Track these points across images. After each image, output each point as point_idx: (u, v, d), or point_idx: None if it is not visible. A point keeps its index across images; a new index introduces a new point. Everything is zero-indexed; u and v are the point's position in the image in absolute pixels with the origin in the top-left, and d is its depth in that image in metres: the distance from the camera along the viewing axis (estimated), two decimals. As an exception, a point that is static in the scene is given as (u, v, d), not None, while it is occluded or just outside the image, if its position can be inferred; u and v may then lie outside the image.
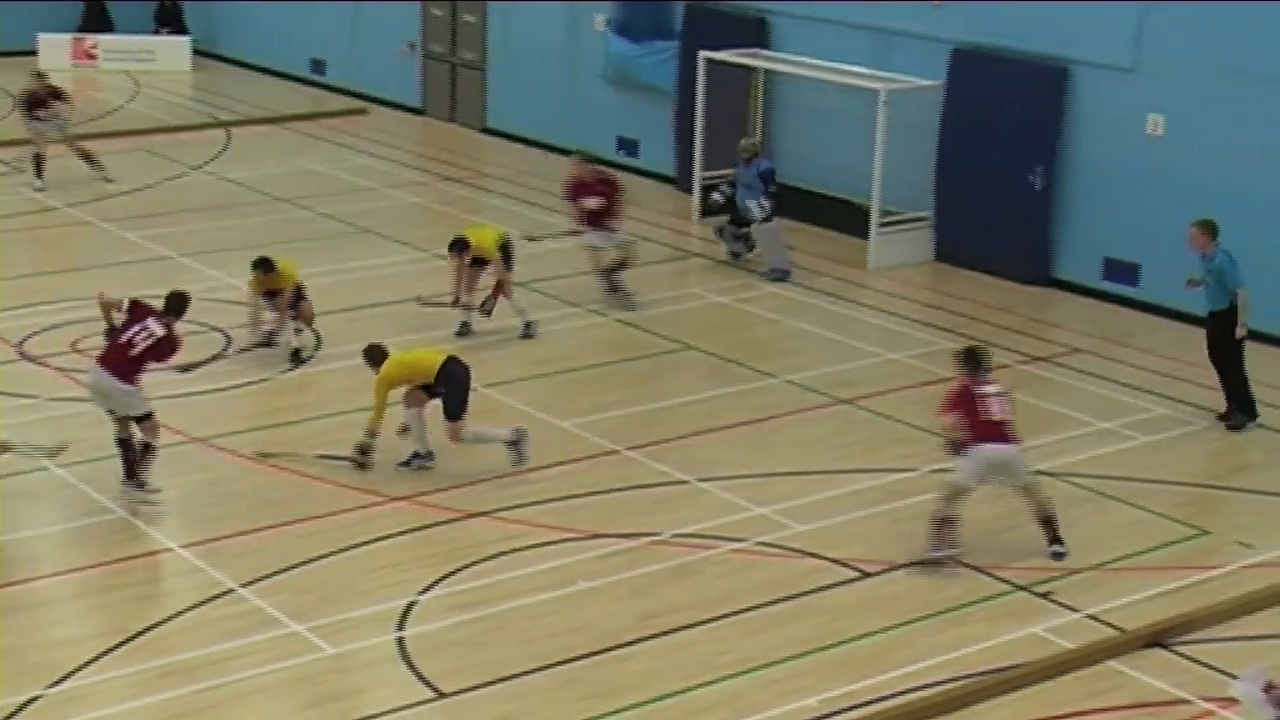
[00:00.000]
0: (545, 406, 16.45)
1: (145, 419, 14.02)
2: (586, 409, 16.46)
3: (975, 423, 13.18)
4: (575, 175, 19.97)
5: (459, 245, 18.38)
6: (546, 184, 24.52)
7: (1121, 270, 20.15)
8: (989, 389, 13.39)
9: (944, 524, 13.38)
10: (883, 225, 21.38)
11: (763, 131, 23.78)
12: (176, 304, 14.30)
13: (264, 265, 17.30)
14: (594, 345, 18.54)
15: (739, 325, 19.23)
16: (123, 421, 13.99)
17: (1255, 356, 17.65)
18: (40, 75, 24.49)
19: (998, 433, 13.23)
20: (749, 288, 20.56)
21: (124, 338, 13.82)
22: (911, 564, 13.39)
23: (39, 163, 23.64)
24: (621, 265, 19.68)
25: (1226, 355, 16.48)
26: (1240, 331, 16.17)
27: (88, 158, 24.08)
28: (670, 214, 23.42)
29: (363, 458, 14.76)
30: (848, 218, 22.18)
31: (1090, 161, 20.30)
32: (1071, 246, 20.27)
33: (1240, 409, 16.62)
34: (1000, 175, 20.69)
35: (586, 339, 18.71)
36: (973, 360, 13.57)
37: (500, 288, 18.67)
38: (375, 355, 14.95)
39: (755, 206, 20.79)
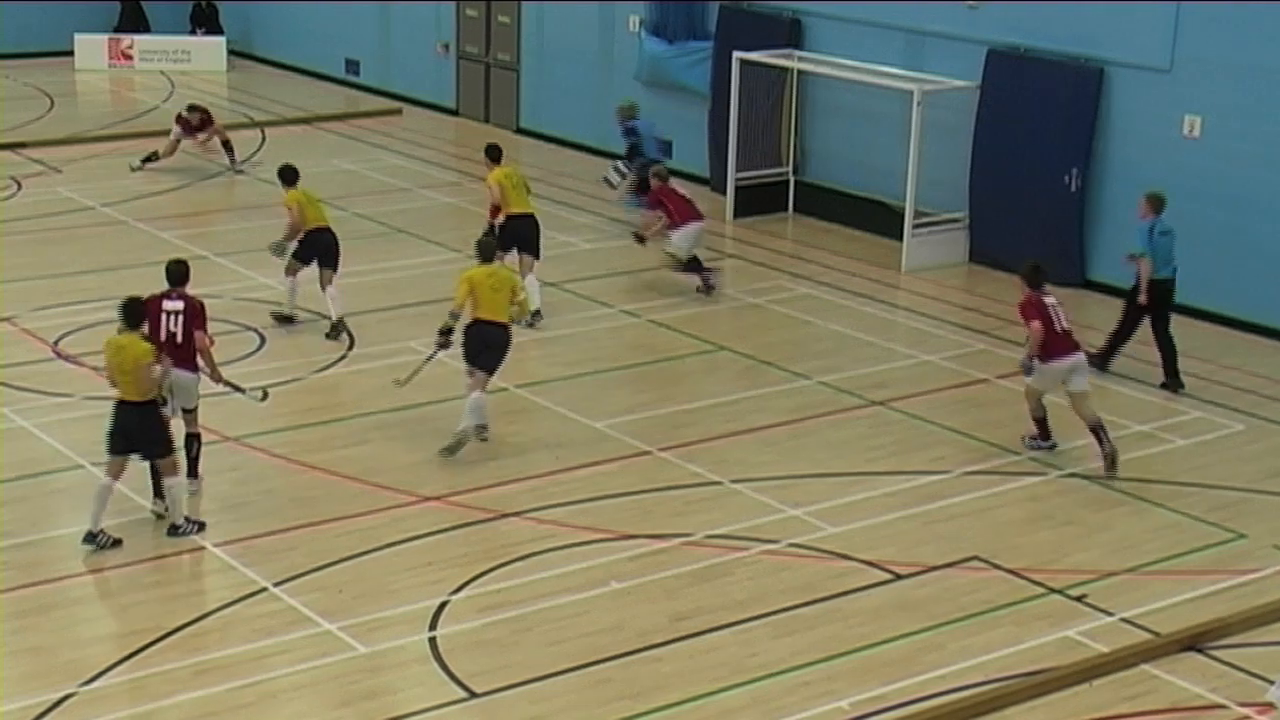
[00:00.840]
0: (577, 407, 16.46)
1: (192, 411, 14.25)
2: (619, 409, 16.47)
3: (1049, 332, 14.99)
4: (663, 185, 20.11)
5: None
6: (580, 184, 24.55)
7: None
8: (1051, 299, 15.22)
9: (1041, 423, 15.45)
10: (917, 226, 21.35)
11: (796, 132, 23.79)
12: (176, 273, 14.33)
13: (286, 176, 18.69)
14: (626, 346, 18.55)
15: (772, 326, 19.22)
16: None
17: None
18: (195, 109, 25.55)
19: (1069, 342, 15.20)
20: (782, 289, 20.55)
21: (162, 336, 13.90)
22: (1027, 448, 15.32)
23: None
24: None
25: (1158, 321, 17.55)
26: (1141, 299, 17.37)
27: (227, 147, 25.20)
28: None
29: (444, 338, 15.47)
30: (882, 219, 22.17)
31: (1126, 163, 20.23)
32: (1106, 248, 20.19)
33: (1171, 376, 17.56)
34: (1035, 177, 20.64)
35: (619, 340, 18.73)
36: (1035, 274, 15.29)
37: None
38: (484, 249, 15.90)
39: (614, 173, 21.53)
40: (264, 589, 12.70)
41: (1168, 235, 17.39)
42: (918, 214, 21.42)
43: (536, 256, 19.07)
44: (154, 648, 11.83)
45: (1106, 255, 20.11)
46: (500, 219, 19.09)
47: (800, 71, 23.38)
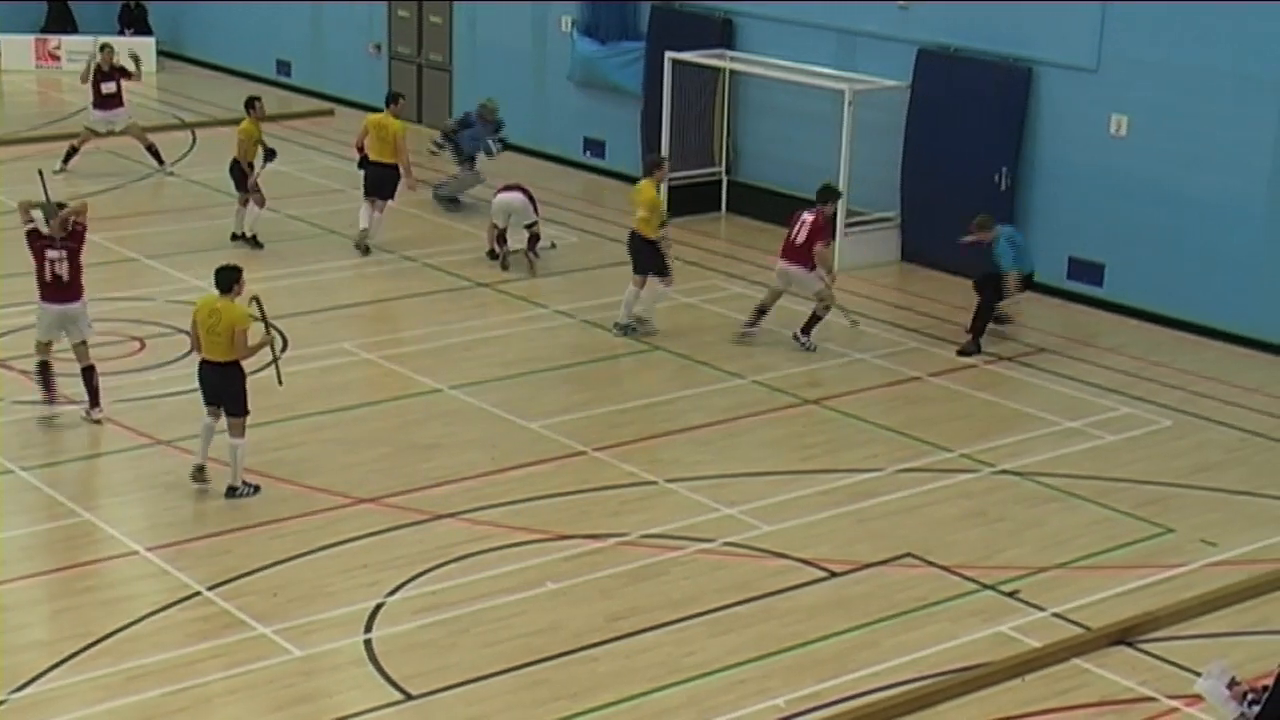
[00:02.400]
0: (513, 408, 16.46)
1: (84, 344, 15.43)
2: (554, 410, 16.48)
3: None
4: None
5: None
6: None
7: (1086, 270, 20.25)
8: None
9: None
10: (849, 225, 21.44)
11: (729, 131, 23.84)
12: (51, 211, 15.37)
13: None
14: (561, 347, 18.54)
15: (706, 326, 19.26)
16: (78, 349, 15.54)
17: (1207, 354, 17.92)
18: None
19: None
20: (716, 289, 20.60)
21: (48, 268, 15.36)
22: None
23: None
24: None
25: (989, 296, 18.49)
26: (1005, 306, 18.71)
27: (152, 151, 24.97)
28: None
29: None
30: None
31: (1054, 162, 20.40)
32: (1037, 247, 20.29)
33: (975, 340, 18.48)
34: (966, 176, 20.75)
35: (554, 340, 18.71)
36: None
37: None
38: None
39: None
40: (197, 593, 12.63)
41: (1020, 237, 18.74)
42: (850, 213, 21.54)
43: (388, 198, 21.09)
44: (85, 654, 11.75)
45: (1036, 253, 20.17)
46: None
47: (732, 71, 23.44)
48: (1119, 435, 16.34)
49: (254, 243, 21.23)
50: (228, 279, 14.22)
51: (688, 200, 23.45)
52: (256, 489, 14.35)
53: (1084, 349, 18.79)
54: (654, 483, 14.84)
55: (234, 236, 21.36)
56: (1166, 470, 15.55)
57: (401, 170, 21.39)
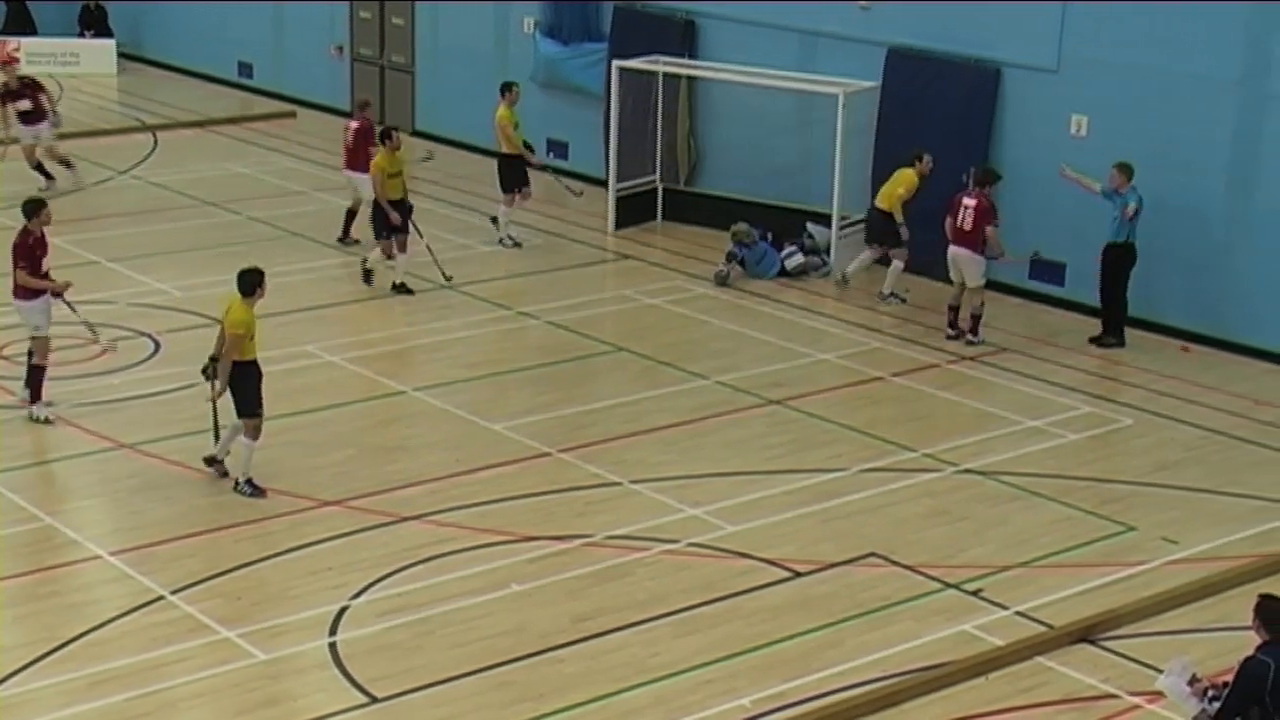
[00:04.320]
0: (477, 409, 16.46)
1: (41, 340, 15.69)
2: (518, 411, 16.49)
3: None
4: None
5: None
6: (477, 187, 24.53)
7: (1048, 270, 20.34)
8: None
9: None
10: (843, 229, 21.42)
11: (691, 134, 23.85)
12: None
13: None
14: (525, 348, 18.56)
15: (670, 327, 19.30)
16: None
17: (1167, 353, 18.06)
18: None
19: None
20: (680, 290, 20.63)
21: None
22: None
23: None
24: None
25: (1116, 284, 18.77)
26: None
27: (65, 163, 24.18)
28: (599, 216, 23.44)
29: None
30: (778, 222, 22.20)
31: (1018, 162, 20.45)
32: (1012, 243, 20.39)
33: (1112, 333, 18.92)
34: (935, 176, 20.72)
35: (517, 342, 18.73)
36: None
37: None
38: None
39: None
40: (161, 597, 12.60)
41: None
42: (815, 215, 21.60)
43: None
44: (50, 658, 11.71)
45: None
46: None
47: (692, 76, 23.45)
48: (1080, 434, 16.43)
49: (404, 290, 19.99)
50: (248, 282, 14.29)
51: (643, 207, 23.44)
52: (257, 491, 14.28)
53: (1046, 348, 18.88)
54: (619, 484, 14.86)
55: (394, 287, 19.88)
56: (1127, 469, 15.64)
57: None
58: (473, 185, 24.72)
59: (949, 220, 18.90)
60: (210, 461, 14.61)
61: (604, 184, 23.83)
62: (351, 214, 21.92)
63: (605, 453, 15.53)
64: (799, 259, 21.44)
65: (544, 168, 22.97)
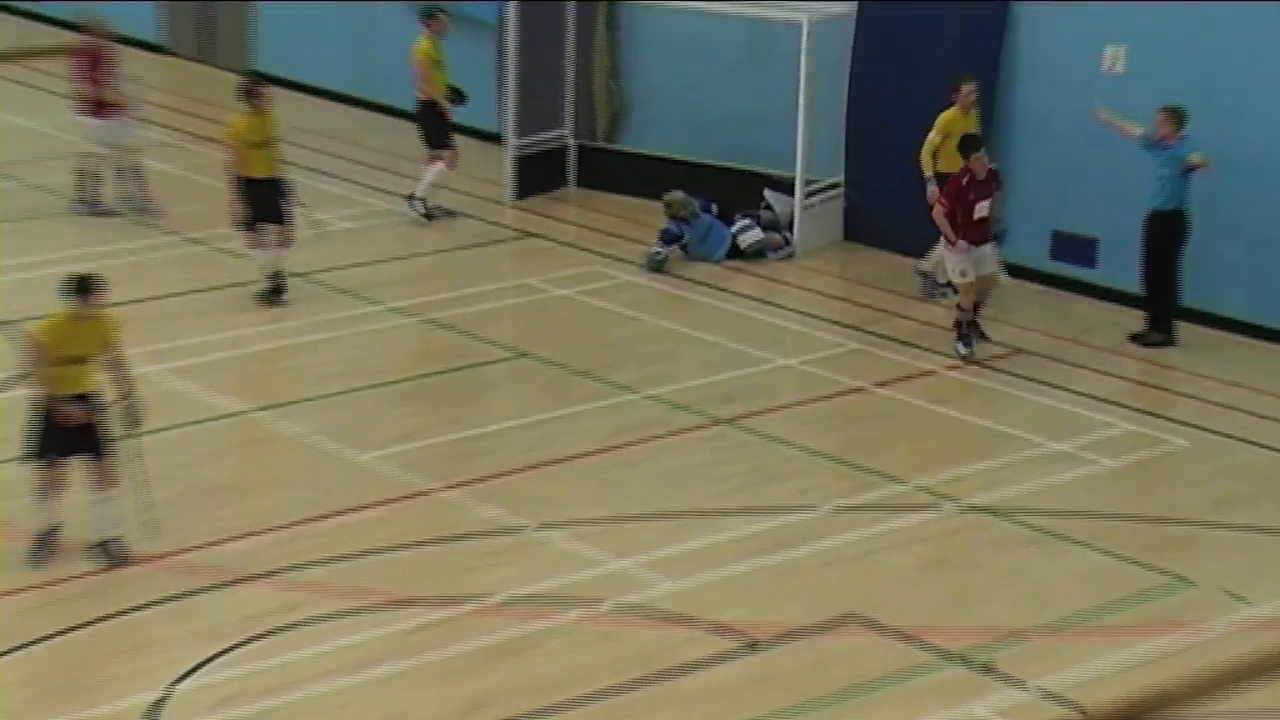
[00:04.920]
0: (337, 434, 16.40)
1: None
2: (391, 437, 16.44)
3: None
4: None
5: None
6: (337, 146, 24.43)
7: (1075, 247, 20.45)
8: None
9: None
10: (808, 197, 21.54)
11: (613, 76, 23.85)
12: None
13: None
14: (401, 354, 18.51)
15: (588, 325, 19.31)
16: None
17: (1230, 353, 18.19)
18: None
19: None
20: (601, 277, 20.63)
21: None
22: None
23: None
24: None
25: (1163, 264, 18.83)
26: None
27: None
28: (492, 182, 23.39)
29: None
30: (724, 186, 22.25)
31: (1035, 110, 20.58)
32: (1012, 219, 20.52)
33: (1159, 327, 19.08)
34: (924, 130, 20.80)
35: (390, 346, 18.69)
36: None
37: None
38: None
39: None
40: (-74, 684, 12.48)
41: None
42: (769, 179, 21.68)
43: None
44: None
45: (1011, 227, 20.39)
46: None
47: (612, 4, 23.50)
48: (1120, 459, 16.53)
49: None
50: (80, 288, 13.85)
51: (548, 170, 23.62)
52: (42, 549, 14.05)
53: (1074, 349, 18.98)
54: (522, 528, 14.83)
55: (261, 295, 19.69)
56: (1180, 504, 15.72)
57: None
58: (331, 144, 24.62)
59: None
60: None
61: (499, 141, 23.82)
62: (86, 177, 21.66)
63: (503, 488, 15.50)
64: (754, 235, 21.49)
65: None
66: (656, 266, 20.83)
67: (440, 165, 22.16)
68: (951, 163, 19.01)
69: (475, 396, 17.69)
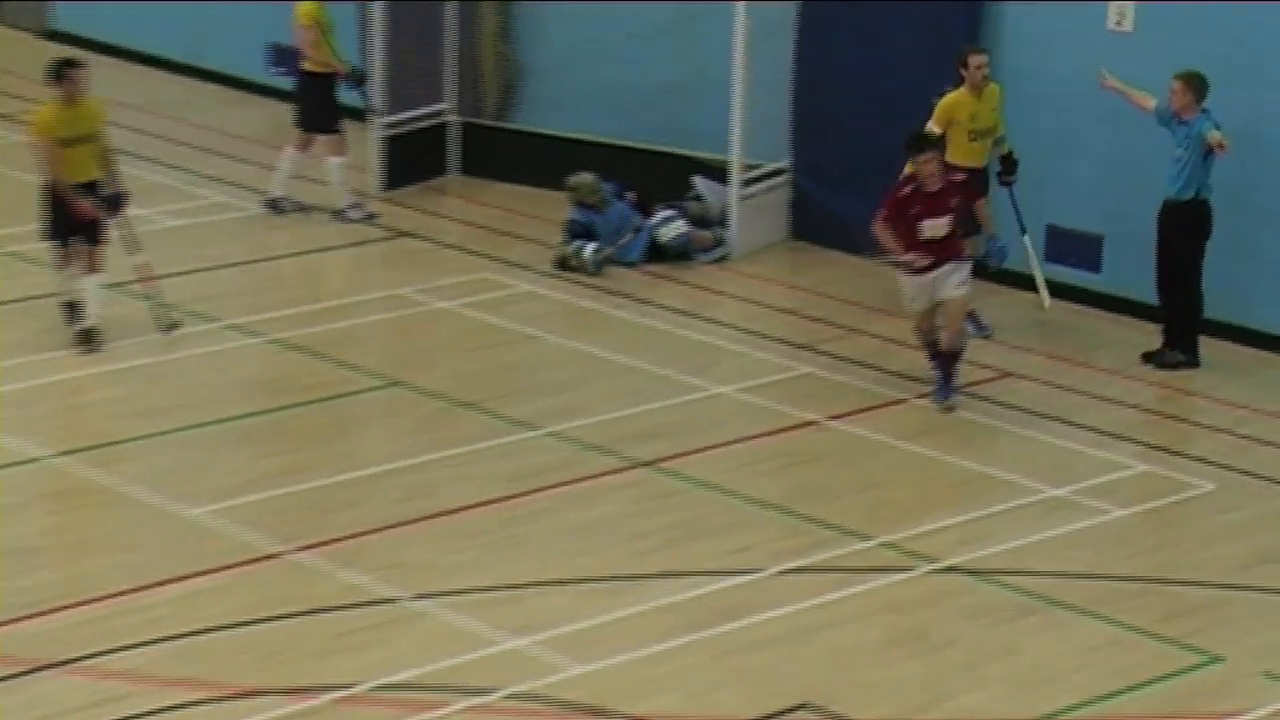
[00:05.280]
0: (163, 484, 16.28)
1: None
2: (230, 486, 16.33)
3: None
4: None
5: None
6: (163, 125, 24.34)
7: (1075, 247, 20.51)
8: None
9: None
10: (745, 185, 21.53)
11: (502, 38, 23.88)
12: None
13: None
14: (241, 383, 18.45)
15: (476, 346, 19.31)
16: None
17: (1266, 376, 18.30)
18: None
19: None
20: (492, 285, 20.57)
21: None
22: None
23: None
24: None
25: (1182, 267, 18.86)
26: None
27: None
28: (357, 168, 23.31)
29: None
30: (649, 175, 22.26)
31: (1026, 77, 20.62)
32: (998, 211, 20.55)
33: (1179, 344, 19.17)
34: (891, 101, 20.84)
35: (228, 373, 18.61)
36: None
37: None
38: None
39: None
40: None
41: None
42: (698, 164, 21.69)
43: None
44: None
45: (997, 222, 20.28)
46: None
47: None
48: (1132, 507, 16.57)
49: None
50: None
51: (423, 154, 23.75)
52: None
53: (1074, 371, 19.05)
54: (393, 600, 14.74)
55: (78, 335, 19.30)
56: (1207, 561, 15.74)
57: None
58: (154, 123, 24.53)
59: None
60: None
61: (362, 118, 23.77)
62: None
63: (371, 550, 15.43)
64: (677, 228, 21.45)
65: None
66: (569, 265, 20.83)
67: (293, 151, 22.13)
68: (964, 155, 19.19)
69: (336, 436, 17.63)
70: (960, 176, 18.21)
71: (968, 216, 18.42)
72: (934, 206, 17.86)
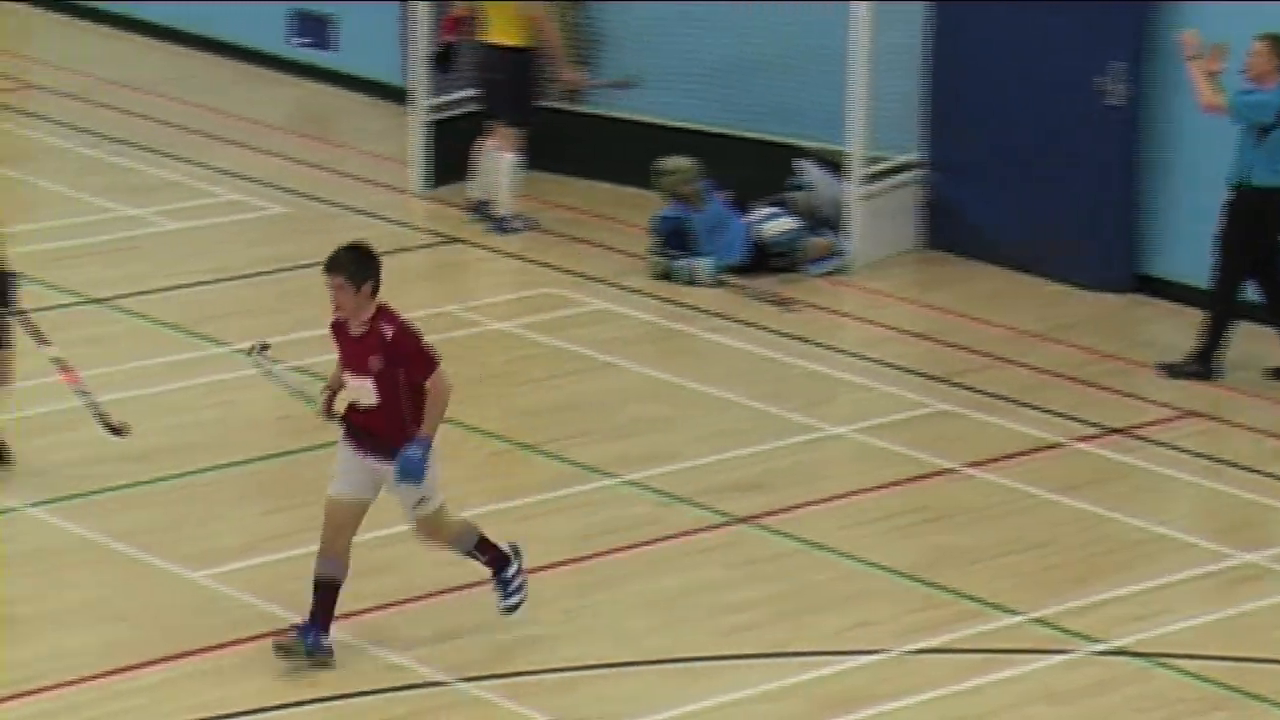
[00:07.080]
0: (156, 544, 16.34)
1: None
2: (238, 547, 16.41)
3: None
4: None
5: None
6: (170, 108, 24.48)
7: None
8: None
9: None
10: (867, 181, 21.65)
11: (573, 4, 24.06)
12: None
13: None
14: (253, 421, 18.53)
15: (541, 375, 19.44)
16: None
17: None
18: None
19: None
20: (560, 302, 20.62)
21: None
22: None
23: None
24: None
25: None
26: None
27: None
28: (395, 160, 23.42)
29: None
30: (747, 165, 22.32)
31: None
32: (1176, 217, 20.51)
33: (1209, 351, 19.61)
34: (1045, 86, 20.86)
35: (235, 409, 18.73)
36: None
37: None
38: None
39: None
40: None
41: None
42: (821, 156, 21.72)
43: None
44: None
45: (1175, 229, 20.36)
46: None
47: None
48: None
49: None
50: None
51: (466, 146, 23.56)
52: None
53: (1274, 409, 18.94)
54: (438, 684, 14.73)
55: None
56: None
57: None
58: (143, 102, 24.66)
59: None
60: None
61: (402, 100, 23.88)
62: None
63: (411, 623, 15.49)
64: (783, 224, 21.42)
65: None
66: (671, 275, 20.89)
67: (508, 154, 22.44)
68: None
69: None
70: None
71: None
72: (355, 352, 15.06)
